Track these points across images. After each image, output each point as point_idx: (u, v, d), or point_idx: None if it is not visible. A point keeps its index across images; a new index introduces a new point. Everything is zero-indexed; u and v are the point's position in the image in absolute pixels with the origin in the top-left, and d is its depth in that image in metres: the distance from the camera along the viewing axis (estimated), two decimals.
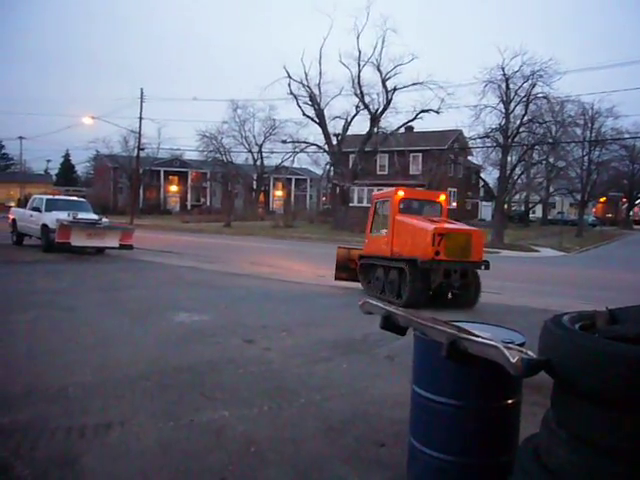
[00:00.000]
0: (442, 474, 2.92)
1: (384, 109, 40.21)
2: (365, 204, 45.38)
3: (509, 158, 35.69)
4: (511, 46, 58.78)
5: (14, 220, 20.96)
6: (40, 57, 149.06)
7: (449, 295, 10.56)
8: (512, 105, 33.50)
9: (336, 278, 12.49)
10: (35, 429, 3.86)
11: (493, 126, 34.28)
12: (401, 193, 11.21)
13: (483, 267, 10.03)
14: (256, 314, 8.64)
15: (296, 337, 7.11)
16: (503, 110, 33.61)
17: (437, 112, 38.63)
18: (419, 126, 44.20)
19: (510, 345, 2.48)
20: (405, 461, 3.23)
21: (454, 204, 49.29)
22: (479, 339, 2.56)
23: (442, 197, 11.88)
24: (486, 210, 59.85)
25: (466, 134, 41.28)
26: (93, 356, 5.86)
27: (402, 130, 42.72)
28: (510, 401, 2.88)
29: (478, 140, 37.04)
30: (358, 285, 11.96)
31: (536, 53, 45.38)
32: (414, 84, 38.53)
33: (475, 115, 34.10)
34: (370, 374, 5.63)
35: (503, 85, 33.15)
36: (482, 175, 43.86)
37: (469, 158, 45.82)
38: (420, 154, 46.13)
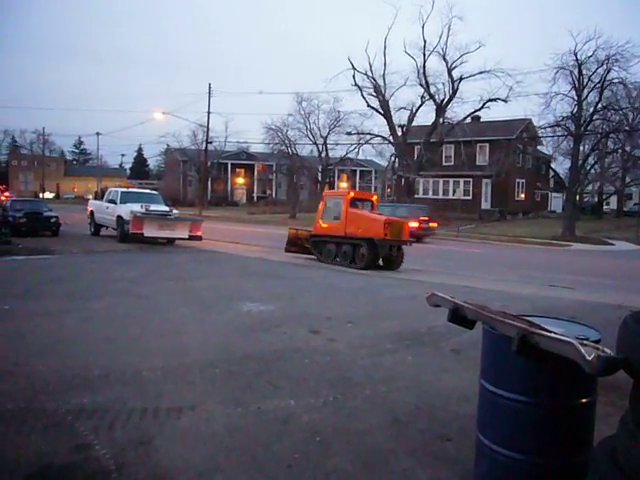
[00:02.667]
0: (511, 472, 2.85)
1: (450, 99, 39.41)
2: (431, 195, 44.81)
3: (581, 147, 34.26)
4: (584, 29, 55.88)
5: (92, 212, 22.03)
6: (118, 57, 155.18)
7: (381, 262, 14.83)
8: (585, 92, 32.12)
9: (286, 251, 16.74)
10: (112, 410, 4.06)
11: (564, 114, 33.04)
12: (352, 194, 16.20)
13: (409, 244, 15.23)
14: (321, 305, 8.71)
15: (361, 328, 7.12)
16: (575, 97, 32.28)
17: (505, 101, 37.55)
18: (486, 115, 43.18)
19: (585, 342, 2.39)
20: (472, 457, 3.18)
21: (522, 195, 47.79)
22: (552, 334, 2.48)
23: (374, 197, 17.21)
24: (556, 201, 57.65)
25: (535, 123, 40.00)
26: (166, 342, 6.09)
27: (468, 120, 41.65)
28: (584, 400, 2.76)
29: (548, 129, 35.81)
30: (424, 278, 12.05)
31: (612, 36, 42.83)
32: (481, 72, 37.61)
33: (545, 103, 32.98)
34: (436, 367, 5.57)
35: (575, 71, 31.83)
36: (552, 165, 42.20)
37: (538, 148, 44.21)
38: (487, 144, 44.90)
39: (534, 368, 2.68)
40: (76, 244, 17.71)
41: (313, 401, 4.43)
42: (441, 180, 46.10)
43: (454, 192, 45.05)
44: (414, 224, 21.90)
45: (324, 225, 15.94)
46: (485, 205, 45.13)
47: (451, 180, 45.94)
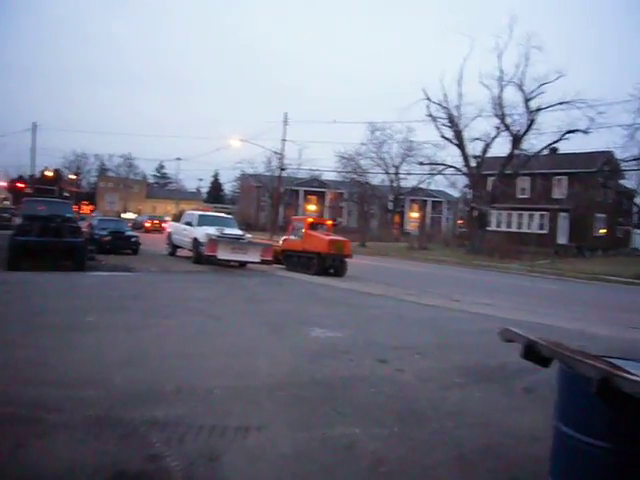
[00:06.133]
0: None
1: (527, 130, 38.55)
2: (504, 228, 43.62)
3: None
4: None
5: (170, 233, 22.94)
6: (198, 85, 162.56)
7: (332, 270, 19.22)
8: None
9: (269, 263, 19.32)
10: (183, 424, 4.18)
11: None
12: (310, 219, 21.96)
13: (349, 258, 19.46)
14: (389, 334, 8.64)
15: (429, 360, 7.01)
16: None
17: (585, 132, 36.20)
18: (564, 147, 41.62)
19: None
20: None
21: (602, 231, 45.63)
22: (636, 377, 2.38)
23: (329, 222, 24.68)
24: None
25: (618, 155, 38.23)
26: (235, 363, 6.22)
27: (545, 152, 40.38)
28: None
29: (632, 162, 34.10)
30: (494, 313, 11.79)
31: None
32: (560, 103, 36.52)
33: (629, 135, 31.53)
34: (505, 405, 5.39)
35: None
36: (636, 200, 40.16)
37: (621, 182, 42.27)
38: (565, 177, 43.36)
39: (615, 412, 2.56)
40: (154, 263, 18.49)
41: (378, 431, 4.39)
42: (515, 213, 44.91)
43: (529, 226, 43.74)
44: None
45: (291, 242, 20.74)
46: (561, 240, 43.41)
47: (525, 213, 44.66)
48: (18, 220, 15.90)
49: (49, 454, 3.56)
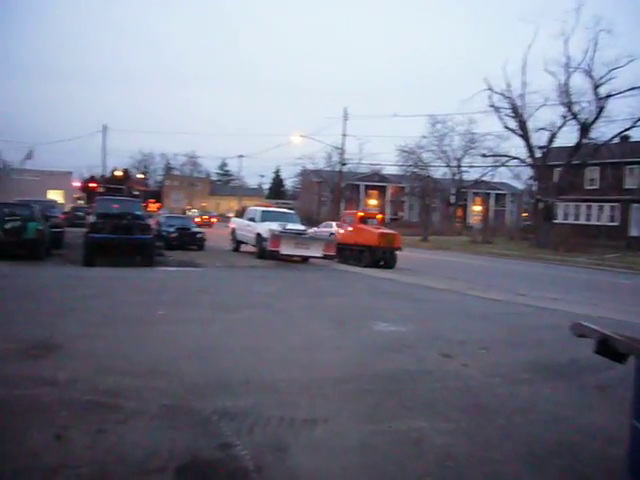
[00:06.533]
0: None
1: (595, 118, 36.86)
2: (571, 221, 41.96)
3: None
4: None
5: (233, 229, 23.45)
6: (259, 83, 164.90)
7: (382, 262, 19.74)
8: None
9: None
10: (252, 415, 4.31)
11: None
12: (360, 213, 22.50)
13: (399, 250, 20.11)
14: (454, 329, 8.55)
15: (495, 355, 6.89)
16: None
17: None
18: (637, 135, 39.56)
19: None
20: None
21: None
22: None
23: (379, 216, 24.00)
24: None
25: None
26: (300, 356, 6.33)
27: (616, 140, 38.49)
28: None
29: None
30: (561, 307, 11.50)
31: None
32: (632, 89, 34.70)
33: None
34: (577, 403, 5.24)
35: None
36: None
37: None
38: (638, 166, 41.14)
39: None
40: (219, 259, 18.97)
41: (445, 425, 4.37)
42: (583, 205, 43.14)
43: (598, 218, 41.94)
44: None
45: (343, 236, 21.20)
46: (634, 232, 41.24)
47: (595, 205, 42.81)
48: (92, 218, 16.64)
49: (128, 440, 3.76)
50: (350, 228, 21.20)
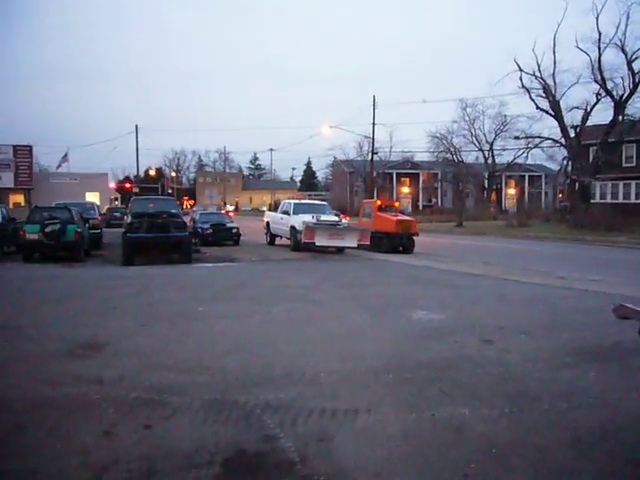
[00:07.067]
0: None
1: (630, 94, 35.80)
2: (609, 200, 40.65)
3: None
4: None
5: (268, 223, 23.61)
6: (287, 75, 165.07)
7: (400, 248, 20.40)
8: None
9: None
10: (295, 407, 4.36)
11: None
12: (378, 202, 23.48)
13: (416, 236, 20.84)
14: (493, 314, 8.44)
15: (537, 340, 6.78)
16: None
17: None
18: None
19: None
20: None
21: None
22: None
23: (396, 204, 26.69)
24: None
25: None
26: (340, 347, 6.35)
27: None
28: None
29: None
30: (604, 289, 11.22)
31: None
32: None
33: None
34: (623, 386, 5.10)
35: None
36: None
37: None
38: None
39: None
40: (254, 253, 19.14)
41: (488, 412, 4.34)
42: (621, 183, 41.72)
43: (637, 196, 40.63)
44: None
45: (363, 224, 21.92)
46: None
47: (633, 183, 41.37)
48: (128, 218, 16.99)
49: (175, 435, 3.85)
50: (369, 217, 22.32)
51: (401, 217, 21.96)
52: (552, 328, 7.55)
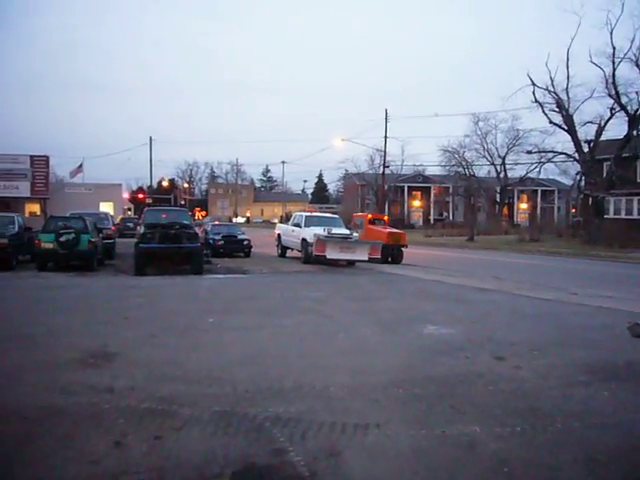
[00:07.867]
0: None
1: None
2: (623, 216, 40.31)
3: None
4: None
5: (279, 235, 23.65)
6: (300, 88, 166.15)
7: (389, 259, 21.21)
8: None
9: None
10: (304, 421, 4.35)
11: None
12: (369, 215, 25.47)
13: (405, 248, 22.22)
14: (504, 330, 8.38)
15: (549, 357, 6.72)
16: None
17: None
18: None
19: None
20: None
21: None
22: None
23: (385, 217, 28.74)
24: None
25: None
26: (350, 360, 6.33)
27: None
28: None
29: None
30: (618, 306, 11.11)
31: None
32: None
33: None
34: (637, 406, 5.05)
35: None
36: None
37: None
38: None
39: None
40: (265, 265, 19.17)
41: (499, 429, 4.30)
42: (636, 199, 41.36)
43: None
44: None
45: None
46: None
47: None
48: (141, 229, 17.11)
49: (185, 446, 3.85)
50: (360, 229, 23.18)
51: (391, 230, 23.41)
52: (565, 345, 7.48)
